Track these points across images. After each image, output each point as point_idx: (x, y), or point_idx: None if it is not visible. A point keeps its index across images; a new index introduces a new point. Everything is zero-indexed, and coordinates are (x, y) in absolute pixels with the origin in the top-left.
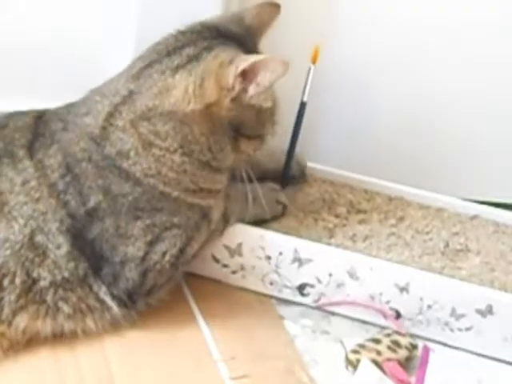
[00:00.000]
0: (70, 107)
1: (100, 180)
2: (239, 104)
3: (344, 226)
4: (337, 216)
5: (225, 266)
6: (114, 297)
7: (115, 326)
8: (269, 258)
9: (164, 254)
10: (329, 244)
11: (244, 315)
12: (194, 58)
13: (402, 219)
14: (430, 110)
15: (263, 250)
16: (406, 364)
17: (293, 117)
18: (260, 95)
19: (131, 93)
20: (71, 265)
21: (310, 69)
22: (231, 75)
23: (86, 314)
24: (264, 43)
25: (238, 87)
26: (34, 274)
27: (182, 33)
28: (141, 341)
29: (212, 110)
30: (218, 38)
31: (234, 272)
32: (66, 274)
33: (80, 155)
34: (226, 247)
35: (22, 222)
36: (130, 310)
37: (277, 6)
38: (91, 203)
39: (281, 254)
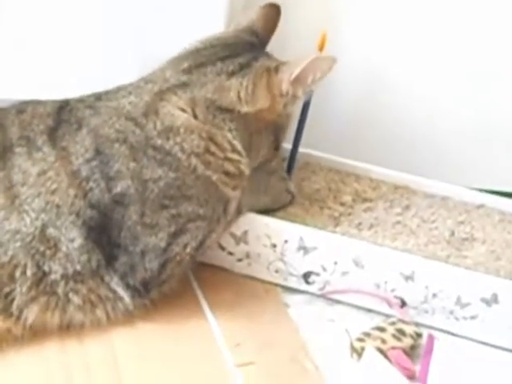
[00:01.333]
0: (100, 95)
1: (132, 163)
2: (287, 109)
3: (349, 214)
4: (342, 204)
5: (230, 253)
6: (128, 287)
7: (126, 316)
8: (274, 245)
9: (186, 245)
10: (334, 232)
11: (249, 303)
12: (245, 66)
13: (407, 208)
14: (437, 98)
15: (269, 238)
16: (410, 352)
17: (299, 104)
18: (297, 103)
19: (184, 83)
20: (84, 257)
21: None
22: (284, 82)
23: (96, 305)
24: None
25: (290, 92)
26: (45, 267)
27: (227, 45)
28: (147, 329)
29: (263, 114)
30: (257, 48)
31: (239, 260)
32: (78, 267)
33: (114, 136)
34: (232, 235)
35: (33, 215)
36: (144, 298)
37: (277, 8)
38: (118, 188)
39: (286, 242)
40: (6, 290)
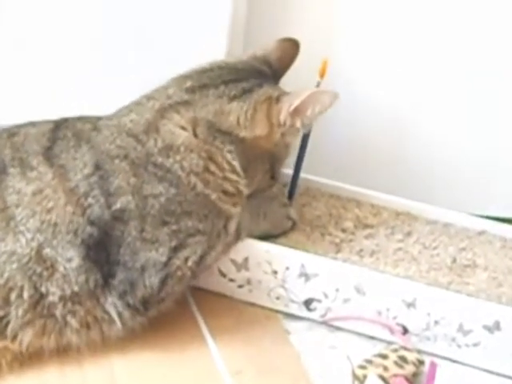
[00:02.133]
0: (100, 116)
1: (133, 179)
2: (284, 140)
3: (351, 240)
4: (344, 231)
5: (231, 280)
6: (128, 306)
7: (121, 338)
8: (275, 272)
9: (186, 259)
10: (335, 259)
11: (250, 330)
12: (248, 91)
13: (409, 234)
14: (438, 126)
15: (270, 265)
16: (412, 380)
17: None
18: (296, 134)
19: (186, 102)
20: (82, 278)
21: (318, 83)
22: (283, 112)
23: (92, 327)
24: None
25: (288, 123)
26: (42, 289)
27: (235, 69)
28: (147, 354)
29: (260, 142)
30: (267, 77)
31: (240, 286)
32: (76, 288)
33: (115, 152)
34: (233, 261)
35: (29, 235)
36: (142, 317)
37: (296, 44)
38: (117, 205)
39: (287, 268)
40: (0, 313)
